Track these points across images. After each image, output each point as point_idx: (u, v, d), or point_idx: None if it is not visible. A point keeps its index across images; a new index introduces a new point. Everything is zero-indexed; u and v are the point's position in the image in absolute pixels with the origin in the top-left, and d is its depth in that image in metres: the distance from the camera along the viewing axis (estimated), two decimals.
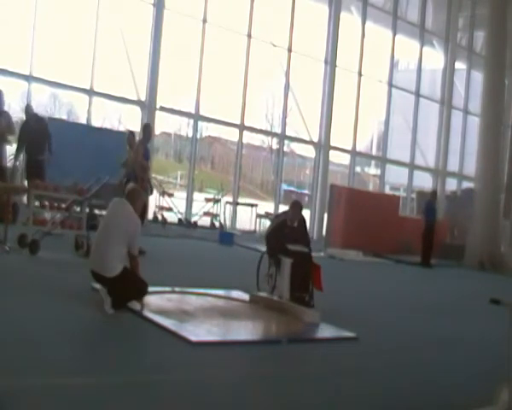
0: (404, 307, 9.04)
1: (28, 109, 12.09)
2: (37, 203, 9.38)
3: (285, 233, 7.28)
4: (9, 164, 12.07)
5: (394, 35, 22.02)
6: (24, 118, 12.22)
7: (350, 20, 20.99)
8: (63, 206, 9.06)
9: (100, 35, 15.14)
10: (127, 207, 6.08)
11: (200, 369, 4.65)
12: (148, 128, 10.76)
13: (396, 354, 5.98)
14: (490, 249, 16.91)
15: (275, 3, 18.96)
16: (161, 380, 4.18)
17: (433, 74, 24.58)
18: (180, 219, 16.26)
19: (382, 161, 22.64)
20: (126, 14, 15.84)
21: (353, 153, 21.26)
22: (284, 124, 19.44)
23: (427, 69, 23.83)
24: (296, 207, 7.54)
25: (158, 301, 6.67)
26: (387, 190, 24.06)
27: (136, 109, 16.14)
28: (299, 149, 23.28)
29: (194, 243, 13.13)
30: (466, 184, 23.00)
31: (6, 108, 12.51)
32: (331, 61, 19.79)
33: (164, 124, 21.77)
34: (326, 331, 6.49)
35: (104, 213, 12.48)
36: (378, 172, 23.66)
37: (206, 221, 17.07)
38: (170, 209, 16.15)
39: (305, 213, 8.55)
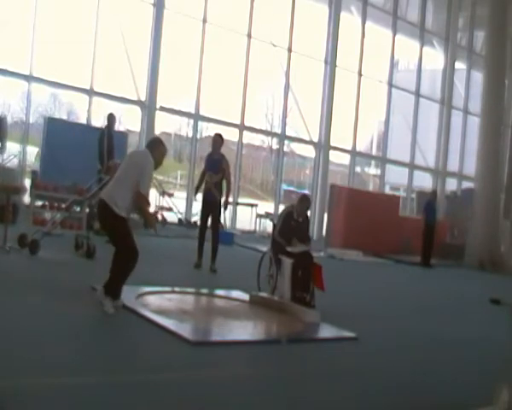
0: (403, 307, 9.04)
1: (111, 119, 11.72)
2: (39, 203, 9.38)
3: (291, 226, 7.27)
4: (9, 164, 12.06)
5: (394, 35, 22.03)
6: (104, 127, 11.82)
7: (350, 20, 20.99)
8: (63, 206, 9.06)
9: (100, 35, 15.15)
10: (145, 152, 6.07)
11: (200, 369, 4.65)
12: (213, 138, 9.98)
13: (396, 354, 5.98)
14: (490, 249, 16.91)
15: (275, 3, 18.96)
16: (161, 380, 4.18)
17: (433, 74, 24.58)
18: (180, 219, 16.25)
19: (382, 161, 22.65)
20: (126, 14, 15.84)
21: (353, 153, 21.26)
22: (284, 124, 19.45)
23: (427, 69, 23.83)
24: (304, 202, 7.51)
25: (158, 301, 6.68)
26: (387, 190, 24.06)
27: (136, 109, 16.15)
28: (299, 149, 23.30)
29: (194, 243, 13.06)
30: (466, 184, 23.00)
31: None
32: (331, 61, 19.79)
33: (164, 124, 21.73)
34: (326, 331, 6.49)
35: None
36: (378, 172, 23.67)
37: None
38: (170, 209, 16.14)
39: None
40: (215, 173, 9.50)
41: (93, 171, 10.03)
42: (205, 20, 16.93)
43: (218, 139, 9.74)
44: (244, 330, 6.25)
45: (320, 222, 18.88)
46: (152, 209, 15.46)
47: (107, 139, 11.22)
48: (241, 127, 18.17)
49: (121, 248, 5.90)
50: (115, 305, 5.83)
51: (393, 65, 22.77)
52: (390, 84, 22.13)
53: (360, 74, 20.88)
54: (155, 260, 9.47)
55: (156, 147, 6.14)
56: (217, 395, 4.09)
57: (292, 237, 7.21)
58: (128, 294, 6.57)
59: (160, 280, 7.82)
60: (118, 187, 5.90)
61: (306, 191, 21.63)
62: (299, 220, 7.41)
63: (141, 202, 5.91)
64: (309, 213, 8.31)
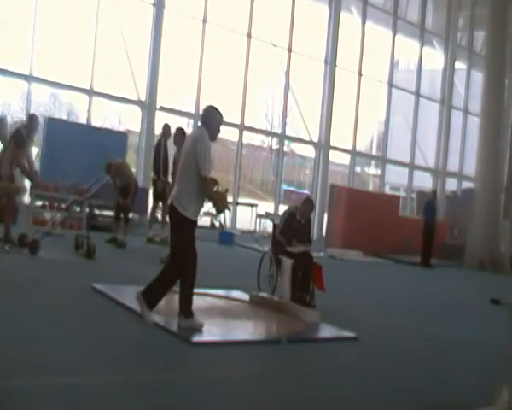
0: (403, 307, 9.04)
1: (167, 129, 11.75)
2: (39, 203, 9.39)
3: (293, 226, 7.28)
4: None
5: (394, 35, 22.04)
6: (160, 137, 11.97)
7: (350, 20, 21.00)
8: (63, 206, 9.06)
9: (100, 35, 15.15)
10: (194, 132, 5.64)
11: (200, 369, 4.65)
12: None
13: (396, 354, 5.98)
14: (490, 249, 16.90)
15: (275, 3, 18.96)
16: (161, 380, 4.18)
17: (433, 74, 24.59)
18: None
19: (382, 161, 22.65)
20: (126, 14, 15.84)
21: (353, 153, 21.27)
22: (284, 124, 19.45)
23: (427, 69, 23.84)
24: (308, 204, 7.51)
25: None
26: (387, 190, 24.06)
27: (136, 109, 16.15)
28: (299, 149, 23.29)
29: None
30: (466, 184, 23.00)
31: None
32: (331, 61, 19.80)
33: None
34: (326, 331, 6.49)
35: (104, 213, 12.59)
36: (378, 172, 23.67)
37: (206, 221, 17.06)
38: None
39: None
40: (174, 166, 9.92)
41: (93, 171, 10.03)
42: (205, 20, 16.94)
43: (174, 133, 10.18)
44: (244, 330, 6.24)
45: (320, 222, 18.88)
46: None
47: (163, 150, 11.39)
48: (241, 127, 18.17)
49: (180, 257, 5.52)
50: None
51: (393, 65, 22.77)
52: (390, 84, 22.14)
53: (360, 74, 20.88)
54: (155, 260, 9.46)
55: (209, 121, 5.59)
56: (217, 395, 4.09)
57: (293, 237, 7.21)
58: (128, 294, 6.57)
59: None
60: (180, 185, 5.48)
61: (306, 191, 21.64)
62: (302, 222, 7.41)
63: (206, 189, 5.44)
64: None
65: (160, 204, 11.67)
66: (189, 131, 18.65)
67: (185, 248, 5.50)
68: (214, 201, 5.79)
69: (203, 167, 5.28)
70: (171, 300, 6.98)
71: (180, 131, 10.09)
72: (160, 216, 15.94)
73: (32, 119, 9.48)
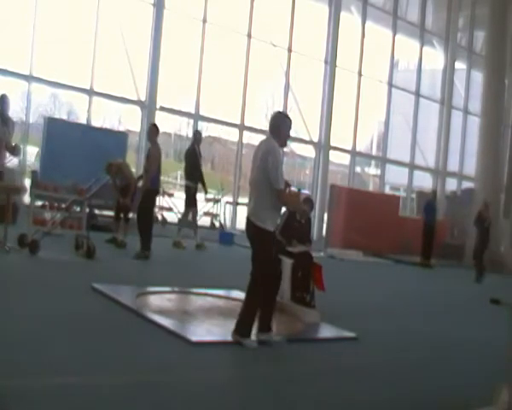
0: (403, 307, 9.05)
1: (198, 135, 11.90)
2: (39, 203, 9.39)
3: (293, 226, 7.29)
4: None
5: (394, 35, 22.03)
6: (191, 143, 12.09)
7: (350, 20, 21.00)
8: (63, 206, 9.06)
9: (100, 35, 15.14)
10: (263, 143, 5.50)
11: (200, 369, 4.65)
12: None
13: (396, 354, 5.98)
14: (490, 249, 16.90)
15: (275, 3, 18.96)
16: (161, 380, 4.17)
17: (433, 74, 24.58)
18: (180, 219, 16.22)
19: (382, 161, 22.65)
20: (126, 14, 15.85)
21: (353, 153, 21.27)
22: None
23: (427, 69, 23.84)
24: (307, 204, 7.54)
25: (158, 301, 6.68)
26: (387, 190, 24.06)
27: (136, 109, 16.15)
28: (299, 149, 23.28)
29: (194, 243, 13.11)
30: (466, 184, 23.00)
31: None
32: (331, 61, 19.79)
33: (164, 124, 21.75)
34: (326, 331, 6.49)
35: (104, 213, 12.59)
36: (378, 172, 23.67)
37: (206, 221, 17.06)
38: (170, 209, 16.13)
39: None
40: (146, 160, 10.00)
41: (93, 171, 10.03)
42: (205, 20, 16.93)
43: (149, 129, 10.29)
44: None
45: (320, 222, 18.88)
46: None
47: (200, 157, 11.61)
48: (241, 127, 18.16)
49: (258, 273, 5.37)
50: (268, 339, 5.45)
51: (393, 65, 22.76)
52: (390, 84, 22.13)
53: (360, 74, 20.87)
54: (155, 260, 9.48)
55: (279, 127, 5.46)
56: (217, 395, 4.09)
57: (293, 237, 7.22)
58: (128, 294, 6.59)
59: (160, 280, 7.83)
60: (255, 199, 5.40)
61: (306, 191, 21.61)
62: (302, 222, 7.43)
63: (283, 201, 5.51)
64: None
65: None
66: (189, 132, 18.69)
67: (270, 264, 5.38)
68: (291, 207, 6.13)
69: (276, 182, 5.27)
70: (172, 300, 6.99)
71: (154, 127, 10.22)
72: (159, 216, 16.00)
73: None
